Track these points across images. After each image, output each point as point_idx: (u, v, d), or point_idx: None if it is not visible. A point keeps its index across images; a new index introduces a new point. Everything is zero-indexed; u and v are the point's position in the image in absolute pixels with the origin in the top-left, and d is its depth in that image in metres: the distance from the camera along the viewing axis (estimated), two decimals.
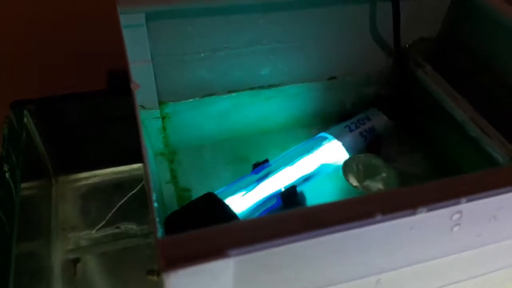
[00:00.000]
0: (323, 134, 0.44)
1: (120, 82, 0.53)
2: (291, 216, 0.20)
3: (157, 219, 0.20)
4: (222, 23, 0.39)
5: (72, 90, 0.45)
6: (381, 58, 0.46)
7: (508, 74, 0.41)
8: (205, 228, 0.19)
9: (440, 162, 0.45)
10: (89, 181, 0.47)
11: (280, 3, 0.39)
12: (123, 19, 0.33)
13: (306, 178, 0.41)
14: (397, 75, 0.47)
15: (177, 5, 0.36)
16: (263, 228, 0.20)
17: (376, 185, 0.39)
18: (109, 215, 0.44)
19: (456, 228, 0.24)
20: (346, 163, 0.40)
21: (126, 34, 0.33)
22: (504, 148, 0.37)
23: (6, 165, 0.33)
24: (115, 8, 0.35)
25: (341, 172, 0.40)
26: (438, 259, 0.26)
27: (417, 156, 0.45)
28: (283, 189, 0.39)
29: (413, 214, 0.21)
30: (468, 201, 0.22)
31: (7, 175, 0.33)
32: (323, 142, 0.43)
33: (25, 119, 0.39)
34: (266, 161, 0.41)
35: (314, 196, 0.42)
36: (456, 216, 0.23)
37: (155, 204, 0.21)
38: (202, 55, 0.40)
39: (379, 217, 0.20)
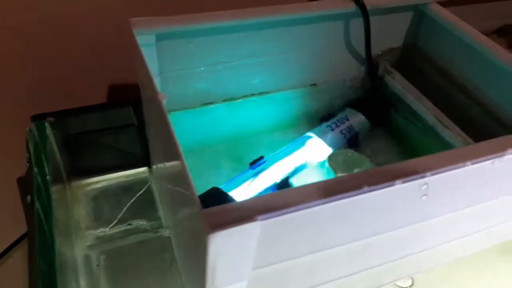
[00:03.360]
0: (308, 133, 0.50)
1: (125, 95, 0.58)
2: (300, 190, 0.26)
3: (197, 194, 0.25)
4: (219, 40, 0.45)
5: (82, 103, 0.50)
6: (355, 66, 0.53)
7: (462, 77, 0.49)
8: (237, 202, 0.25)
9: (410, 152, 0.52)
10: (99, 185, 0.52)
11: (269, 21, 0.46)
12: (140, 40, 0.39)
13: (295, 171, 0.48)
14: (369, 80, 0.54)
15: (181, 27, 0.42)
16: (281, 199, 0.25)
17: None
18: (121, 214, 0.49)
19: (424, 198, 0.30)
20: (330, 157, 0.47)
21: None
22: (460, 137, 0.45)
23: (39, 172, 0.38)
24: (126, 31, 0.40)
25: (325, 165, 0.47)
26: (413, 224, 0.33)
27: (390, 148, 0.52)
28: (278, 181, 0.45)
29: (392, 185, 0.27)
30: (432, 174, 0.29)
31: (40, 179, 0.37)
32: (309, 140, 0.49)
33: (47, 131, 0.44)
34: (261, 158, 0.47)
35: None
36: (424, 187, 0.29)
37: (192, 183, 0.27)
38: (202, 69, 0.46)
39: (365, 188, 0.27)
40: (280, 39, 0.48)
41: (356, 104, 0.53)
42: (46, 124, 0.44)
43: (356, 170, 0.46)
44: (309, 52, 0.50)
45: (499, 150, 0.31)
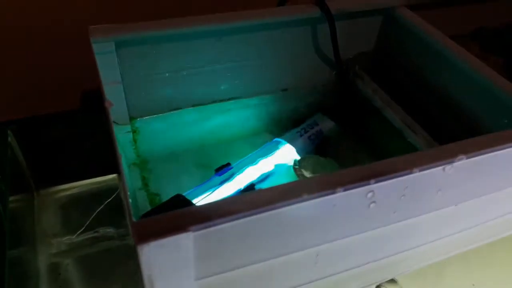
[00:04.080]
0: (277, 139, 0.50)
1: (93, 102, 0.58)
2: (236, 199, 0.26)
3: (131, 209, 0.25)
4: (181, 46, 0.44)
5: (50, 110, 0.50)
6: (325, 71, 0.53)
7: (431, 81, 0.48)
8: (169, 212, 0.25)
9: (379, 157, 0.51)
10: (68, 192, 0.52)
11: (231, 27, 0.45)
12: (96, 48, 0.39)
13: (264, 178, 0.47)
14: (340, 85, 0.53)
15: (141, 34, 0.42)
16: (214, 210, 0.25)
17: None
18: (88, 221, 0.48)
19: (372, 205, 0.30)
20: (297, 162, 0.46)
21: (98, 60, 0.38)
22: (427, 142, 0.44)
23: None
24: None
25: (292, 171, 0.46)
26: (366, 232, 0.32)
27: (359, 153, 0.51)
28: (242, 188, 0.45)
29: (334, 193, 0.27)
30: (376, 182, 0.28)
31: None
32: (278, 146, 0.49)
33: (9, 138, 0.44)
34: (228, 164, 0.47)
35: None
36: (370, 195, 0.29)
37: (129, 192, 0.26)
38: (167, 75, 0.46)
39: (305, 196, 0.26)
40: (246, 45, 0.47)
41: (327, 109, 0.53)
42: (8, 132, 0.44)
43: None
44: (279, 57, 0.50)
45: (450, 156, 0.30)
